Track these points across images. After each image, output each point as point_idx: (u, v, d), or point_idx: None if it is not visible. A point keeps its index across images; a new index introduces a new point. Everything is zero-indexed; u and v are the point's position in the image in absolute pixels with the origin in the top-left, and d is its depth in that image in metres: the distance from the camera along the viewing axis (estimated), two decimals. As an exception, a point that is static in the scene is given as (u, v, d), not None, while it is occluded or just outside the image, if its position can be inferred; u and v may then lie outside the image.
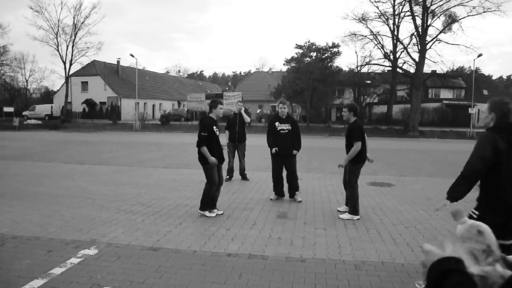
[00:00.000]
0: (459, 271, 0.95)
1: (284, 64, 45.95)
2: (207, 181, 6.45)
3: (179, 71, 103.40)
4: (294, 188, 7.78)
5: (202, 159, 6.37)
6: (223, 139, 9.99)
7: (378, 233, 5.73)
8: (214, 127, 6.41)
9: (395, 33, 35.60)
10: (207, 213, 6.45)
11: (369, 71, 41.00)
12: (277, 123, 7.76)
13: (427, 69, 35.36)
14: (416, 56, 33.67)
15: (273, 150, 7.75)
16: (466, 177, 3.32)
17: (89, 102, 53.08)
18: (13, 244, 5.04)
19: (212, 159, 6.28)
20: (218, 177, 6.56)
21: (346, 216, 6.48)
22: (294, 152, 7.68)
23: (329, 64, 42.08)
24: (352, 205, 6.52)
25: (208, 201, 6.48)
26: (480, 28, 51.69)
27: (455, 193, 3.35)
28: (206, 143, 6.30)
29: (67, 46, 44.84)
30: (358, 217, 6.46)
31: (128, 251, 4.87)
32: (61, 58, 44.77)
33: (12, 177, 10.06)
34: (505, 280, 1.04)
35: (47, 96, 62.68)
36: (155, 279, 4.07)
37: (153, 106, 59.36)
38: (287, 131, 7.68)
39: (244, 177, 9.95)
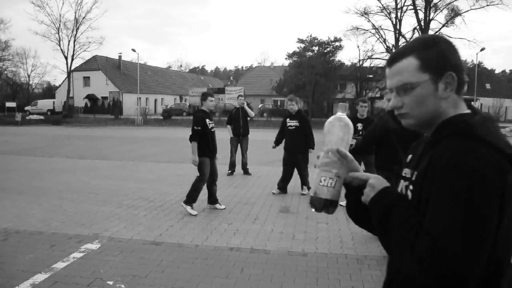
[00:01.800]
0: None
1: (286, 58, 45.87)
2: (199, 174, 6.36)
3: (181, 65, 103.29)
4: (302, 182, 7.83)
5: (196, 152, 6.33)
6: (226, 133, 10.01)
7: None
8: (207, 120, 6.38)
9: (397, 27, 35.49)
10: (188, 208, 6.26)
11: (371, 65, 40.86)
12: (287, 119, 7.91)
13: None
14: (418, 50, 33.55)
15: (272, 145, 8.19)
16: (362, 144, 4.93)
17: (91, 97, 53.10)
18: (16, 239, 5.06)
19: (195, 158, 6.25)
20: (213, 172, 6.52)
21: None
22: (310, 150, 7.82)
23: (331, 59, 41.88)
24: None
25: (195, 195, 6.33)
26: (483, 21, 51.53)
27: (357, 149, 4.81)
28: (200, 137, 6.27)
29: (69, 41, 44.92)
30: None
31: (131, 245, 4.89)
32: (63, 53, 44.86)
33: (14, 172, 10.09)
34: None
35: (49, 91, 62.73)
36: (157, 273, 4.08)
37: (155, 101, 59.33)
38: (294, 127, 7.74)
39: (246, 171, 9.95)
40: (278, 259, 4.51)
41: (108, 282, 3.86)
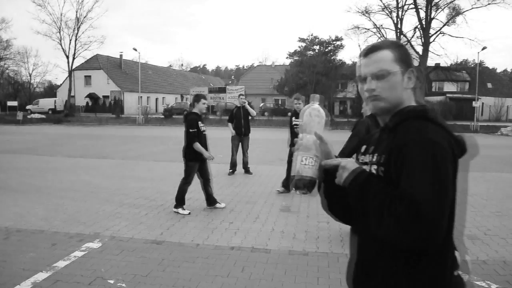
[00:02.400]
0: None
1: (287, 57, 45.90)
2: (184, 176, 6.35)
3: (182, 64, 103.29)
4: None
5: (186, 155, 6.30)
6: (227, 133, 10.02)
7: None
8: (200, 123, 6.36)
9: (399, 26, 35.39)
10: (180, 210, 6.31)
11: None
12: (293, 118, 8.00)
13: (430, 62, 35.20)
14: (419, 49, 33.48)
15: (288, 146, 8.39)
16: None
17: (92, 96, 53.13)
18: (18, 238, 5.07)
19: (207, 154, 6.24)
20: (205, 173, 6.50)
21: None
22: None
23: (332, 58, 41.94)
24: None
25: (182, 197, 6.37)
26: (485, 20, 51.21)
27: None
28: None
29: (70, 40, 44.88)
30: None
31: (132, 244, 4.89)
32: (64, 52, 44.82)
33: (16, 171, 10.11)
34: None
35: (51, 90, 62.76)
36: (159, 272, 4.09)
37: (156, 100, 59.34)
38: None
39: (247, 170, 9.96)
40: (279, 258, 4.51)
41: (109, 281, 3.87)
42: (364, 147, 1.58)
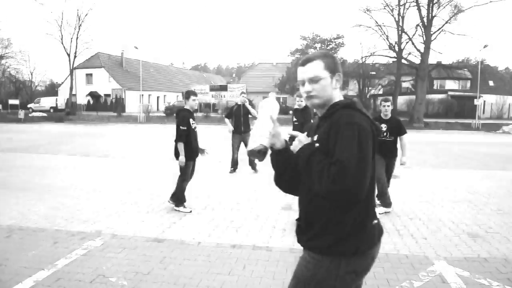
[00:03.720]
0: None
1: (288, 55, 45.78)
2: (181, 174, 6.32)
3: (183, 63, 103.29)
4: None
5: (178, 153, 6.25)
6: (227, 127, 10.00)
7: (382, 225, 5.70)
8: (191, 120, 6.31)
9: (400, 23, 35.23)
10: (181, 208, 6.31)
11: (374, 62, 40.71)
12: (294, 116, 8.13)
13: (432, 60, 35.04)
14: (421, 47, 33.32)
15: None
16: None
17: (93, 95, 53.13)
18: (20, 236, 5.09)
19: (182, 158, 6.14)
20: (191, 171, 6.46)
21: (382, 209, 6.18)
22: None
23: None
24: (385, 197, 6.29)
25: (182, 195, 6.34)
26: (486, 18, 50.95)
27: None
28: (185, 137, 6.17)
29: (71, 39, 44.82)
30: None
31: (133, 242, 4.90)
32: (65, 51, 44.77)
33: (18, 169, 10.12)
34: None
35: (52, 88, 62.85)
36: (160, 270, 4.10)
37: (158, 98, 59.35)
38: (298, 123, 7.90)
39: (254, 167, 9.87)
40: (280, 256, 4.52)
41: (110, 278, 3.88)
42: (305, 133, 2.06)
